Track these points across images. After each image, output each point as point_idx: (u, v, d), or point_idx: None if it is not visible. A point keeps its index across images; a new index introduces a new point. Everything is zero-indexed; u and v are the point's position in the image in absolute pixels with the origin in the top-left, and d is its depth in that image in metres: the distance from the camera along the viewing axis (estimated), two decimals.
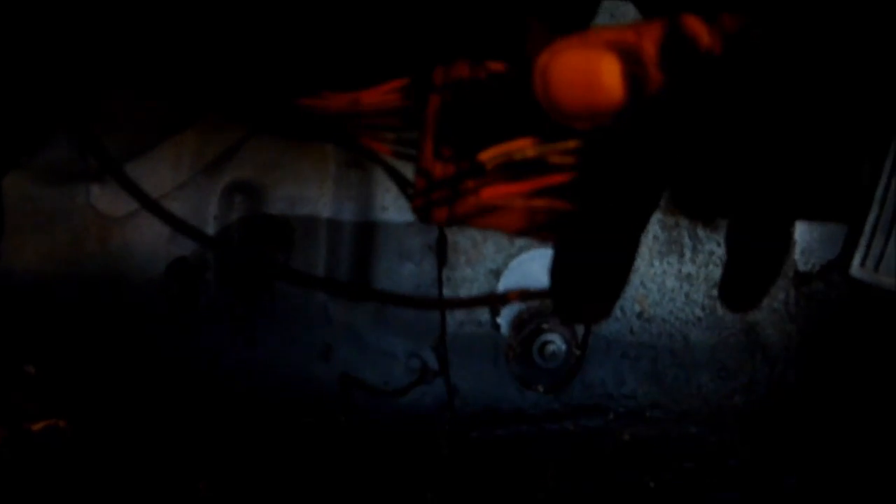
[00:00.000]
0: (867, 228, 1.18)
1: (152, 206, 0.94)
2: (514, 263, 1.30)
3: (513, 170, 0.46)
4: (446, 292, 1.28)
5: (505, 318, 1.32)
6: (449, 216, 0.48)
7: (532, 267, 1.30)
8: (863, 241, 1.19)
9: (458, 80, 0.47)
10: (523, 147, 0.45)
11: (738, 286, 0.58)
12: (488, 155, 0.45)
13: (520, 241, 1.28)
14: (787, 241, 0.55)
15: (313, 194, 1.26)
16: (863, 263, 1.21)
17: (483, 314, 1.31)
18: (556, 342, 1.30)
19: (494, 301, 1.30)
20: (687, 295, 1.33)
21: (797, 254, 1.32)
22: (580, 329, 1.33)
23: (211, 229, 1.25)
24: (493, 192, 0.46)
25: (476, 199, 0.47)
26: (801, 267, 1.33)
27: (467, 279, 1.29)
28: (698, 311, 1.33)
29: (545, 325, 1.30)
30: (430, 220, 0.49)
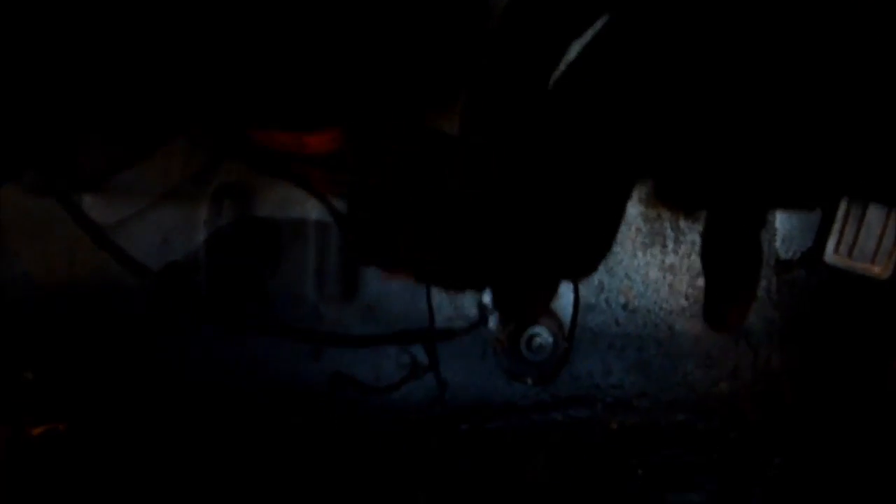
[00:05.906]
0: (839, 215, 1.21)
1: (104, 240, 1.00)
2: None
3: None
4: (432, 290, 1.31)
5: (493, 312, 1.34)
6: (375, 262, 0.53)
7: None
8: (835, 228, 1.22)
9: (389, 144, 0.51)
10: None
11: (721, 300, 0.54)
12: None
13: None
14: (761, 242, 0.54)
15: (301, 196, 1.28)
16: (836, 250, 1.24)
17: (471, 309, 1.34)
18: (542, 335, 1.32)
19: None
20: (671, 285, 1.35)
21: (778, 242, 1.35)
22: (567, 321, 1.35)
23: (202, 234, 1.27)
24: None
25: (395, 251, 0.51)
26: (782, 255, 1.35)
27: None
28: (682, 301, 1.35)
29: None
30: (363, 260, 0.54)
